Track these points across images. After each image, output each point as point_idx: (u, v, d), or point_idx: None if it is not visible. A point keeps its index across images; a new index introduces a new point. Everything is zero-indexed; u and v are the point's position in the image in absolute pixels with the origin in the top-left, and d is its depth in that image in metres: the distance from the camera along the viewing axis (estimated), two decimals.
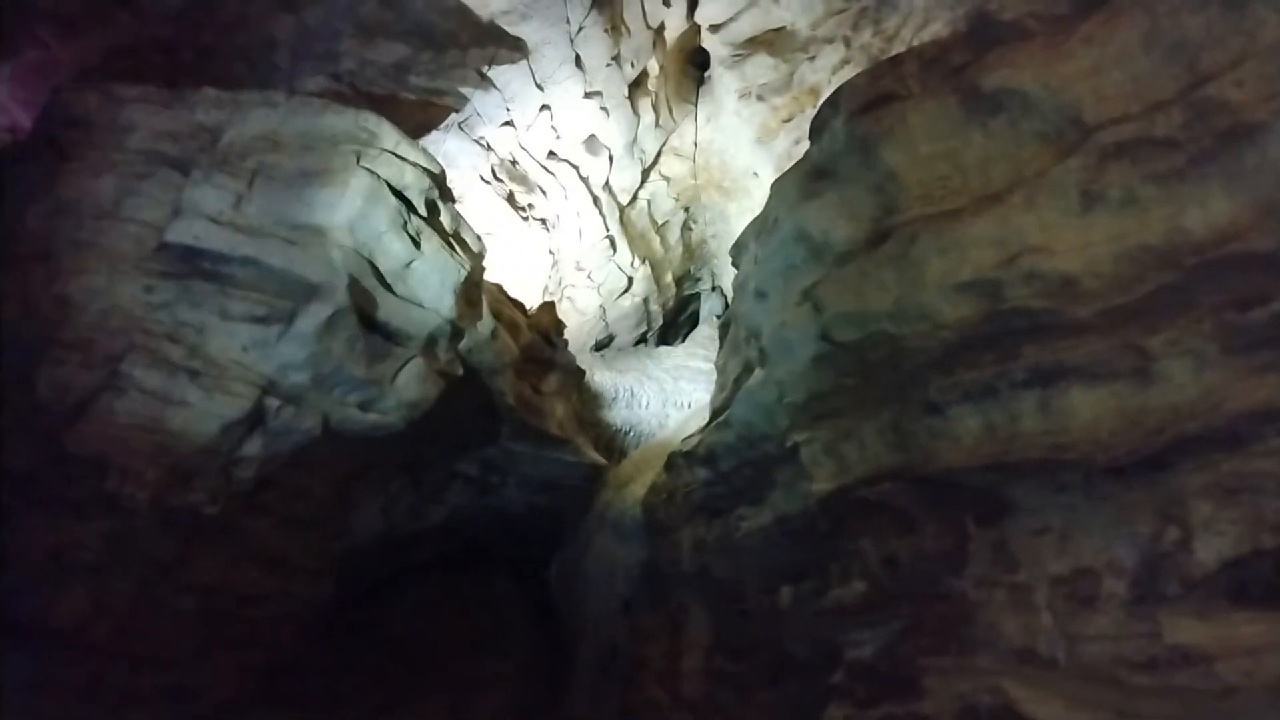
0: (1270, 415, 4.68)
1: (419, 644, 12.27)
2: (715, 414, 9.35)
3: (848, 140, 6.53)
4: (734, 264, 9.34)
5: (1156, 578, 5.10)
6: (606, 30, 12.17)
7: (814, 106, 7.86)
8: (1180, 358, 5.00)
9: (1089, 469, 5.34)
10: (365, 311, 7.90)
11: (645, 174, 15.96)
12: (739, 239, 8.98)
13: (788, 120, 13.03)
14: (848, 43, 12.04)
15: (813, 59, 12.50)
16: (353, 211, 7.70)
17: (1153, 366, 5.09)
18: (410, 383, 8.40)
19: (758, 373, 8.00)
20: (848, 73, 10.97)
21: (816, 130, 7.19)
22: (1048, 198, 5.40)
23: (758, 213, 8.47)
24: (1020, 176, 5.57)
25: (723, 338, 10.19)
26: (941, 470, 6.10)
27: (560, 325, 12.82)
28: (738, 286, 9.11)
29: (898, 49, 11.00)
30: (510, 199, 13.32)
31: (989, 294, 5.58)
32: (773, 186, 7.81)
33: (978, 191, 5.77)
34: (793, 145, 12.58)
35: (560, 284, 15.87)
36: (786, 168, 7.94)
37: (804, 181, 7.15)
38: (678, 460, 9.85)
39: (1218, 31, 4.75)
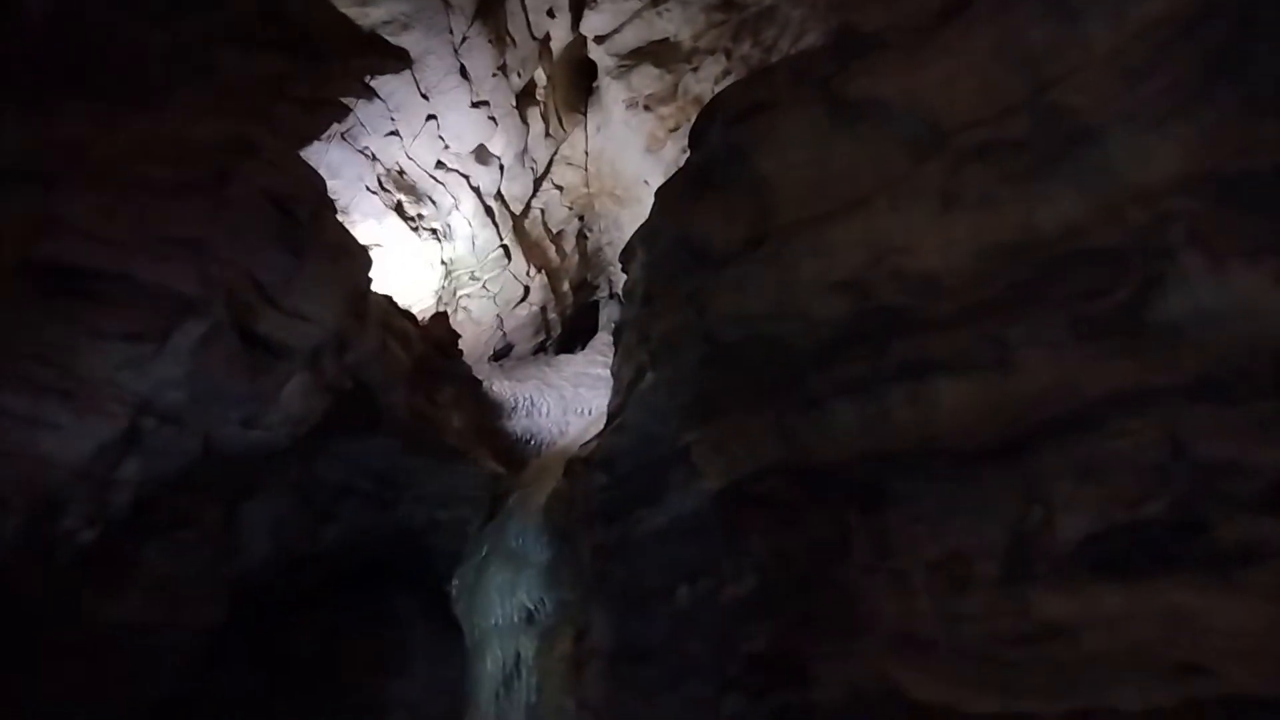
0: (1120, 398, 5.01)
1: (319, 667, 11.93)
2: (611, 418, 9.42)
3: (724, 148, 6.72)
4: (623, 270, 9.44)
5: (1024, 557, 5.38)
6: (491, 41, 12.12)
7: None
8: (1036, 347, 5.31)
9: (958, 456, 5.62)
10: (245, 326, 7.67)
11: (538, 183, 15.95)
12: (627, 245, 9.10)
13: (675, 129, 13.23)
14: (729, 54, 12.32)
15: (696, 70, 12.75)
16: (230, 223, 7.49)
17: (1011, 356, 5.39)
18: (295, 397, 8.20)
19: (649, 375, 8.11)
20: (730, 83, 11.22)
21: (696, 138, 7.37)
22: (910, 200, 5.69)
23: None
24: (884, 180, 5.84)
25: (617, 343, 10.29)
26: (823, 463, 6.33)
27: (454, 336, 12.72)
28: (627, 292, 9.22)
29: (776, 60, 11.32)
30: (399, 209, 13.11)
31: (858, 293, 5.83)
32: (657, 193, 7.96)
33: (846, 196, 6.01)
34: (680, 154, 12.75)
35: (455, 294, 15.71)
36: None
37: (686, 187, 7.32)
38: (576, 466, 9.88)
39: (1057, 42, 5.07)
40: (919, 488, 5.83)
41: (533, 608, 10.76)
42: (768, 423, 6.72)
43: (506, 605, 11.13)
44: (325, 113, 10.63)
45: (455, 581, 12.45)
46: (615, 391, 9.98)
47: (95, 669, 7.91)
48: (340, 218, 10.01)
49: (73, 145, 7.63)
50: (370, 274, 9.42)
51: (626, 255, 9.19)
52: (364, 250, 9.40)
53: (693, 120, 7.87)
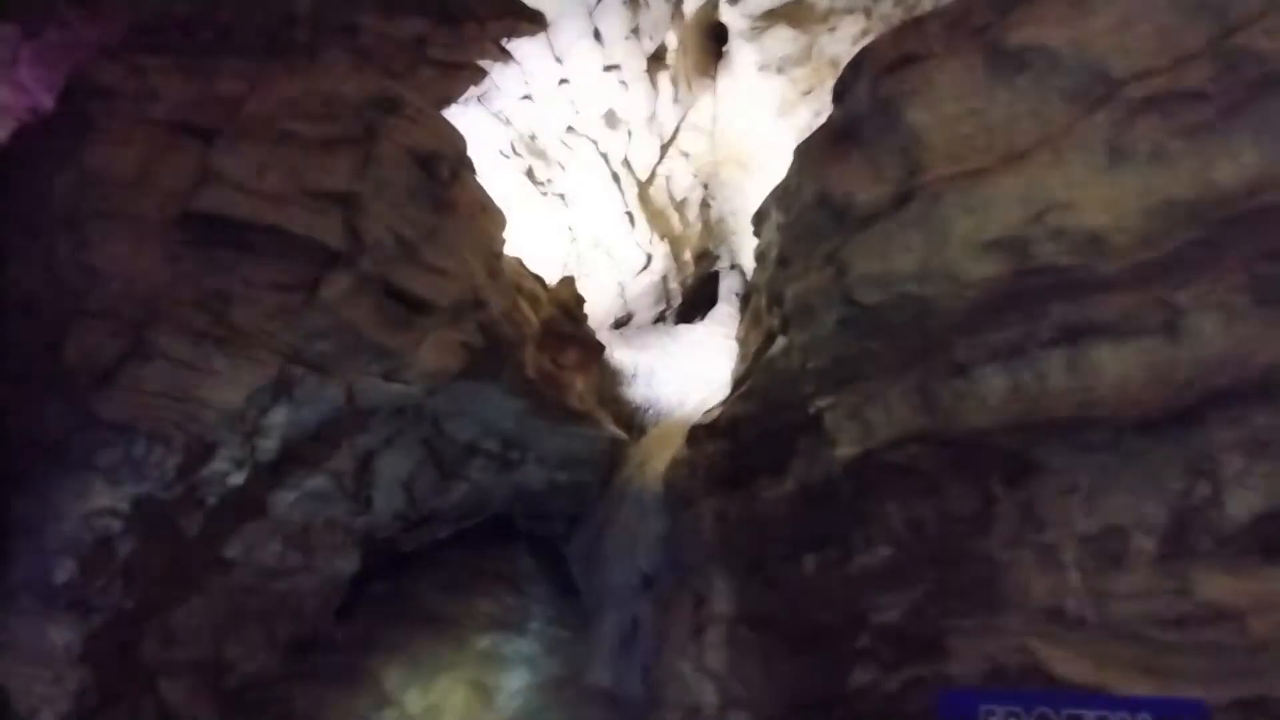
0: None
1: (443, 620, 12.31)
2: (736, 385, 9.34)
3: (871, 102, 6.50)
4: (755, 233, 9.30)
5: (1186, 534, 5.11)
6: (625, 3, 12.12)
7: (834, 78, 7.83)
8: (1209, 311, 5.00)
9: (1118, 426, 5.34)
10: (388, 280, 7.90)
11: (664, 149, 15.85)
12: (760, 207, 8.96)
13: (808, 93, 12.92)
14: (868, 13, 11.96)
15: (833, 30, 12.41)
16: (376, 179, 7.71)
17: (1181, 321, 5.09)
18: (433, 353, 8.39)
19: (780, 341, 7.99)
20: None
21: (839, 93, 7.16)
22: (1075, 154, 5.39)
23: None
24: (1047, 133, 5.55)
25: (743, 310, 10.18)
26: (967, 432, 6.10)
27: (580, 299, 12.79)
28: (759, 255, 9.09)
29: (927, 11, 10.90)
30: (529, 174, 13.28)
31: (1016, 252, 5.56)
32: (795, 151, 7.80)
33: (1003, 149, 5.73)
34: (813, 118, 12.42)
35: (579, 260, 15.82)
36: None
37: (827, 145, 7.14)
38: (699, 433, 9.84)
39: None
40: (1073, 459, 5.57)
41: (651, 572, 10.80)
42: (908, 389, 6.52)
43: (624, 569, 11.20)
44: (463, 75, 10.83)
45: (574, 543, 12.62)
46: (741, 358, 9.88)
47: (234, 607, 8.42)
48: None
49: (229, 102, 8.00)
50: (504, 234, 9.55)
51: (759, 218, 9.04)
52: (500, 210, 9.53)
53: (827, 83, 7.68)
